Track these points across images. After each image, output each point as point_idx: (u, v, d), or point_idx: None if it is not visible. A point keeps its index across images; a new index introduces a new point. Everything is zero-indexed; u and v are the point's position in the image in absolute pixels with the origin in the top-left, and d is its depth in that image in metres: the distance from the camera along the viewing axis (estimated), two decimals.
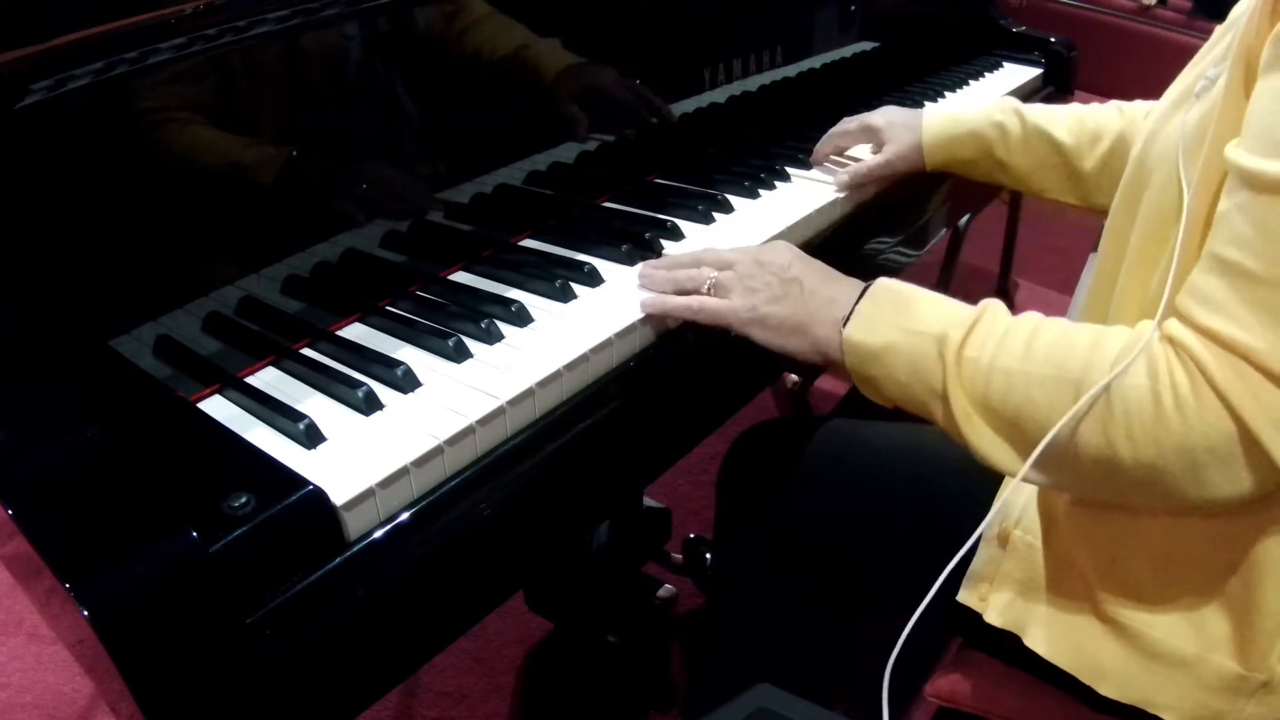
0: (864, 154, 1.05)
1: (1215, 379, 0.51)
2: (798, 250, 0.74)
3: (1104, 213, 0.76)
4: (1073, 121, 0.96)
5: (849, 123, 1.05)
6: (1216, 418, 0.51)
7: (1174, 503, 0.57)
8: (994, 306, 0.63)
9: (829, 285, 0.71)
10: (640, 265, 0.79)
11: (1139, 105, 0.95)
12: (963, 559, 0.72)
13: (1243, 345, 0.50)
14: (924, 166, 1.03)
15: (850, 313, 0.67)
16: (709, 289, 0.73)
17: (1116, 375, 0.54)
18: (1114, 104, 0.97)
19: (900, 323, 0.64)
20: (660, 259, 0.80)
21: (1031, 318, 0.62)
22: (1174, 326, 0.54)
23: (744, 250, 0.75)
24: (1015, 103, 1.00)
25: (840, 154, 1.07)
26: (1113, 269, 0.71)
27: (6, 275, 0.58)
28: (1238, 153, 0.53)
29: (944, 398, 0.62)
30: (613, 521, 1.20)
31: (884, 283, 0.68)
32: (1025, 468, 0.58)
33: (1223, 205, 0.54)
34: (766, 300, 0.70)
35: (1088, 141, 0.95)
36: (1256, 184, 0.51)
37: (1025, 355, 0.59)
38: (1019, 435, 0.59)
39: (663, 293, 0.75)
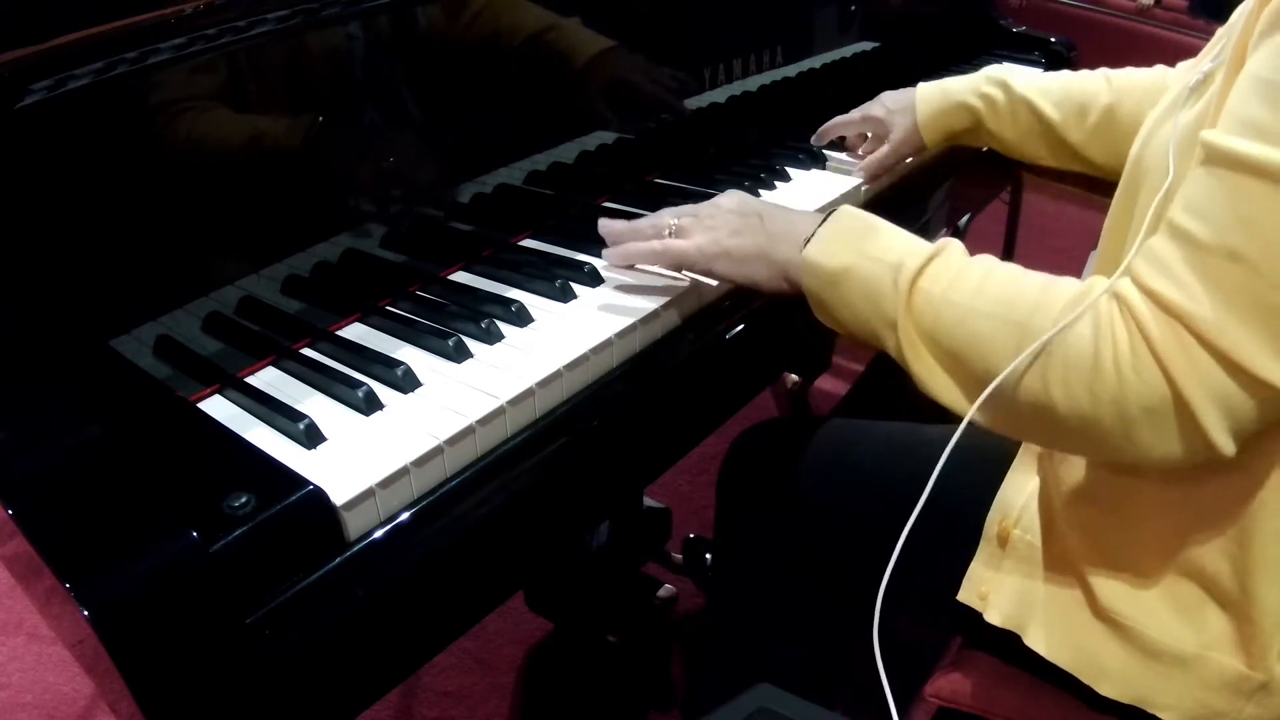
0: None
1: (1154, 339, 0.52)
2: (749, 195, 0.77)
3: (1099, 174, 0.76)
4: (1059, 94, 0.97)
5: (851, 115, 1.06)
6: (1151, 376, 0.52)
7: (1107, 457, 0.58)
8: (954, 245, 0.64)
9: (788, 214, 0.73)
10: (602, 219, 0.80)
11: (1128, 74, 0.95)
12: (962, 558, 0.72)
13: (1183, 310, 0.51)
14: (925, 144, 1.04)
15: (812, 234, 0.68)
16: (670, 234, 0.74)
17: (1062, 327, 0.55)
18: (1102, 73, 0.98)
19: (860, 247, 0.65)
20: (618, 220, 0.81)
21: (988, 259, 0.63)
22: (1123, 284, 0.55)
23: (699, 203, 0.77)
24: (1004, 73, 1.01)
25: (843, 145, 1.08)
26: (1109, 269, 0.71)
27: (6, 275, 0.58)
28: (1209, 131, 0.54)
29: (894, 326, 0.63)
30: (613, 521, 1.20)
31: (846, 208, 0.69)
32: (971, 410, 0.59)
33: (1188, 175, 0.55)
34: (728, 234, 0.72)
35: (1074, 114, 0.96)
36: (1215, 157, 0.52)
37: (976, 292, 0.60)
38: (962, 370, 0.61)
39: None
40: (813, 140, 1.08)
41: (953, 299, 0.60)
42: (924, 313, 0.61)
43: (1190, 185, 0.54)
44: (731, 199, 0.75)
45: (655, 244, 0.75)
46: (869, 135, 1.07)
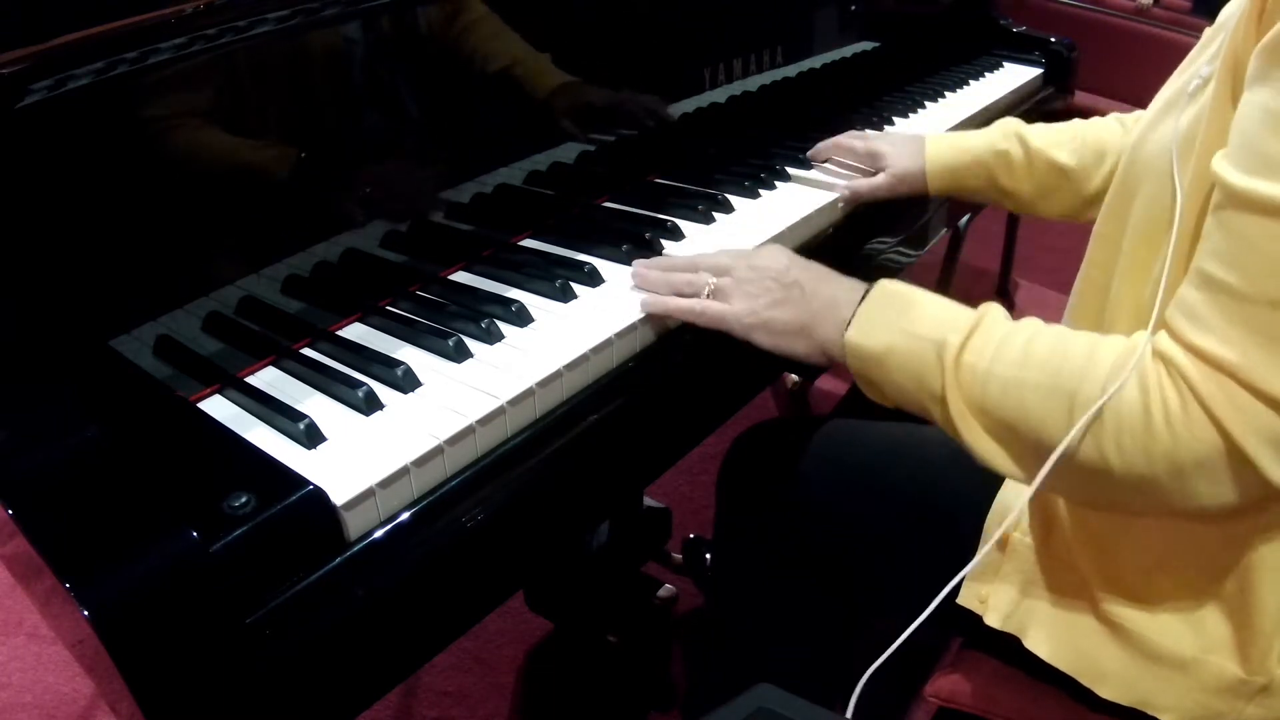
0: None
1: (1202, 395, 0.52)
2: (792, 253, 0.75)
3: None
4: (1075, 142, 0.95)
5: (854, 140, 1.03)
6: (1204, 432, 0.52)
7: (1163, 510, 0.58)
8: (993, 311, 0.63)
9: (829, 286, 0.71)
10: (635, 264, 0.78)
11: (1139, 115, 0.94)
12: (962, 560, 0.72)
13: (1227, 362, 0.51)
14: (927, 192, 1.02)
15: (852, 315, 0.67)
16: (708, 295, 0.73)
17: (1111, 395, 0.55)
18: (1114, 117, 0.96)
19: (901, 325, 0.64)
20: (653, 259, 0.79)
21: (1030, 324, 0.62)
22: (1163, 341, 0.55)
23: (738, 255, 0.75)
24: (1018, 126, 0.99)
25: (839, 165, 1.06)
26: (1102, 276, 0.71)
27: (6, 275, 0.58)
28: (1223, 165, 0.53)
29: (942, 401, 0.62)
30: (613, 521, 1.20)
31: (885, 285, 0.68)
32: (1036, 484, 0.58)
33: (1209, 219, 0.54)
34: (768, 305, 0.71)
35: (1092, 161, 0.94)
36: (1239, 201, 0.51)
37: (1022, 363, 0.59)
38: (1015, 439, 0.60)
39: (661, 295, 0.75)
40: (809, 154, 1.06)
41: (998, 372, 0.59)
42: (971, 387, 0.61)
43: (1218, 232, 0.53)
44: (773, 258, 0.73)
45: (695, 305, 0.73)
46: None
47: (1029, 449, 0.59)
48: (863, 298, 0.68)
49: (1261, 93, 0.52)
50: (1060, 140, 0.96)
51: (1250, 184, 0.51)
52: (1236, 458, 0.52)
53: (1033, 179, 0.97)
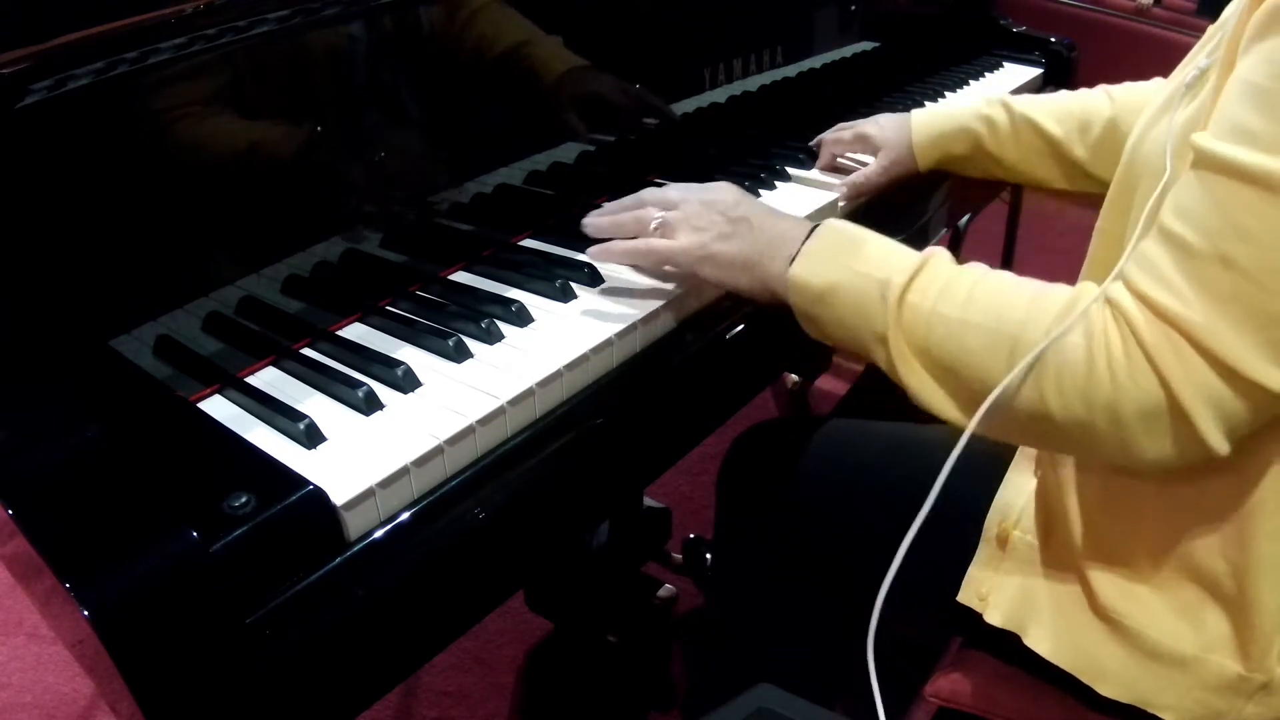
0: (861, 160, 1.05)
1: (1147, 344, 0.52)
2: (741, 189, 0.75)
3: (1102, 192, 0.76)
4: (1060, 112, 0.97)
5: (843, 130, 1.05)
6: (1145, 381, 0.52)
7: (1101, 459, 0.59)
8: (939, 254, 0.64)
9: (777, 222, 0.71)
10: (587, 216, 0.78)
11: (1128, 88, 0.95)
12: (962, 559, 0.72)
13: (1176, 315, 0.52)
14: (919, 167, 1.03)
15: (798, 251, 0.67)
16: (655, 230, 0.73)
17: (1055, 337, 0.55)
18: (1102, 89, 0.97)
19: (846, 263, 0.65)
20: (602, 207, 0.79)
21: (975, 268, 0.63)
22: (1116, 289, 0.55)
23: (687, 188, 0.75)
24: (1003, 95, 1.01)
25: (836, 162, 1.07)
26: (1103, 272, 0.71)
27: (7, 275, 0.58)
28: (1200, 135, 0.54)
29: (884, 341, 0.62)
30: (613, 521, 1.20)
31: (832, 223, 0.69)
32: (973, 424, 0.59)
33: (1180, 179, 0.55)
34: (715, 238, 0.71)
35: (1077, 130, 0.96)
36: (1206, 162, 0.52)
37: (965, 305, 0.60)
38: (955, 382, 0.60)
39: (609, 239, 0.75)
40: (817, 166, 1.06)
41: (942, 312, 0.60)
42: (914, 327, 0.61)
43: (1182, 189, 0.54)
44: (721, 192, 0.74)
45: (640, 244, 0.73)
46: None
47: (969, 391, 0.59)
48: (809, 234, 0.68)
49: (1242, 64, 0.53)
50: (1046, 108, 0.98)
51: (1217, 146, 0.52)
52: (1175, 412, 0.52)
53: (1018, 143, 0.99)
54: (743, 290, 0.71)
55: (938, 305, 0.60)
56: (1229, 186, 0.51)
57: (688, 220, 0.72)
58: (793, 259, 0.67)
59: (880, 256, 0.64)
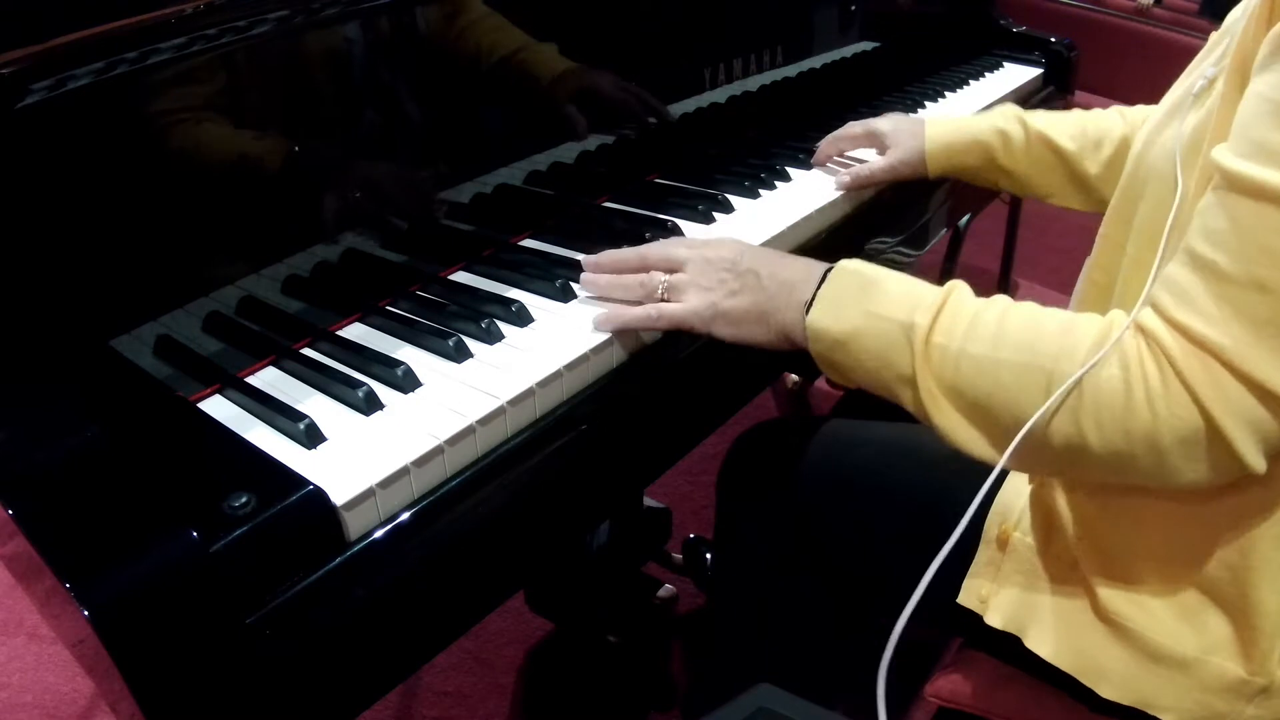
0: (868, 156, 1.05)
1: (1183, 372, 0.52)
2: (744, 242, 0.74)
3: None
4: (1074, 129, 0.97)
5: (853, 126, 1.05)
6: (1184, 410, 0.52)
7: (1136, 483, 0.58)
8: (959, 289, 0.63)
9: (786, 269, 0.70)
10: (583, 260, 0.76)
11: (1140, 110, 0.95)
12: (963, 560, 0.72)
13: (1210, 341, 0.51)
14: (927, 173, 1.03)
15: (813, 297, 0.66)
16: (663, 294, 0.71)
17: (1090, 367, 0.55)
18: (1115, 109, 0.97)
19: (865, 307, 0.63)
20: (599, 256, 0.76)
21: (999, 301, 0.62)
22: (1147, 317, 0.55)
23: (690, 245, 0.73)
24: (1018, 110, 1.01)
25: (842, 156, 1.07)
26: (1105, 278, 0.71)
27: (7, 275, 0.58)
28: (1221, 152, 0.53)
29: (912, 383, 0.61)
30: (613, 521, 1.20)
31: (845, 265, 0.67)
32: (1004, 459, 0.58)
33: (1203, 200, 0.55)
34: (725, 295, 0.70)
35: (1090, 147, 0.96)
36: (1233, 184, 0.52)
37: (995, 341, 0.59)
38: (989, 420, 0.60)
39: (614, 301, 0.73)
40: (814, 162, 1.06)
41: (971, 350, 0.59)
42: (943, 367, 0.60)
43: (1210, 213, 0.53)
44: (724, 248, 0.72)
45: (650, 310, 0.71)
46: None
47: (1001, 428, 0.58)
48: (822, 278, 0.67)
49: (1262, 80, 0.52)
50: (1061, 126, 0.98)
51: (1243, 168, 0.51)
52: (1215, 437, 0.52)
53: (1030, 158, 0.99)
54: (761, 343, 0.69)
55: (966, 344, 0.59)
56: (1258, 210, 0.50)
57: (694, 281, 0.71)
58: (808, 305, 0.66)
59: (899, 297, 0.63)
